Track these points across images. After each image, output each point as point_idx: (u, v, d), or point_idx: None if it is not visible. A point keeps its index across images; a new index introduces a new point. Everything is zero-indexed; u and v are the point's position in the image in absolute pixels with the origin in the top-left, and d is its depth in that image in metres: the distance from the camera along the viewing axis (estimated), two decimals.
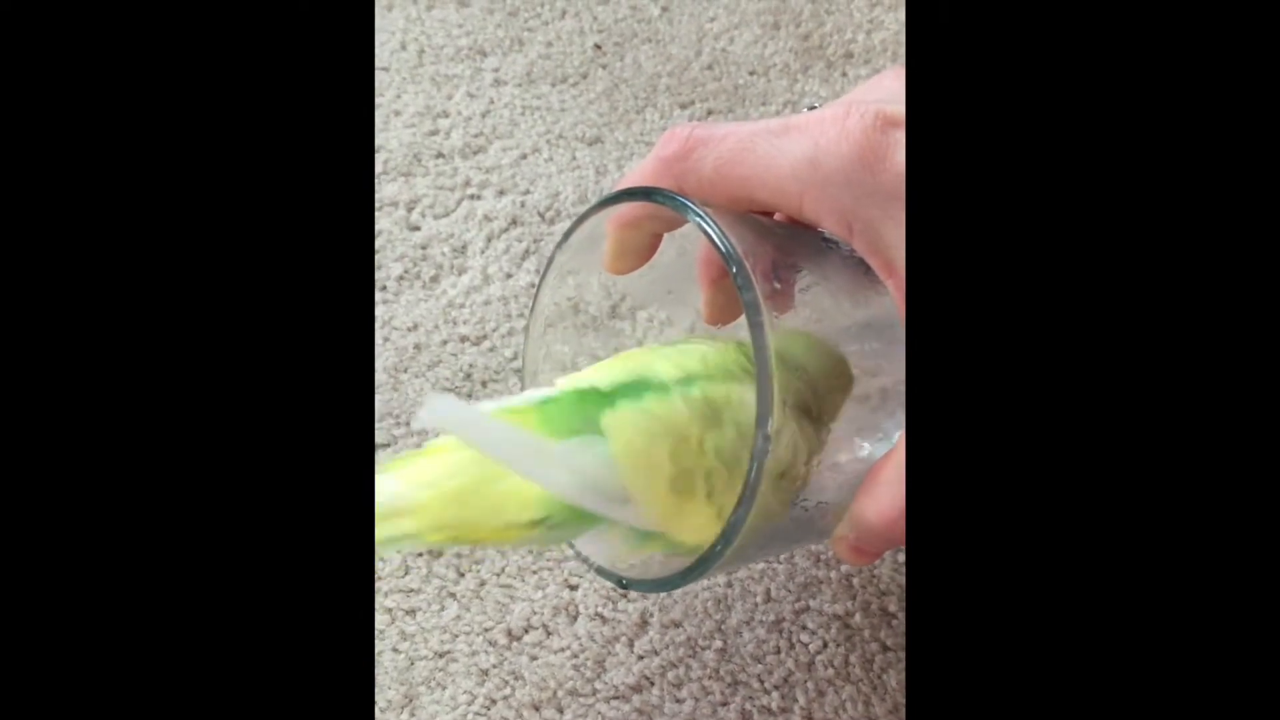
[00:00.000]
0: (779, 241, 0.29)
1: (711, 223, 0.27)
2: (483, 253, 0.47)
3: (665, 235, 0.32)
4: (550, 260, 0.32)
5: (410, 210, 0.48)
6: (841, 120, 0.27)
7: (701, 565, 0.27)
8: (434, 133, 0.52)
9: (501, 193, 0.49)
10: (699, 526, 0.28)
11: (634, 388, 0.28)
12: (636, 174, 0.29)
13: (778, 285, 0.27)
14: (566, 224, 0.48)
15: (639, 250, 0.32)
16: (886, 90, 0.29)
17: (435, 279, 0.46)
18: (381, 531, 0.26)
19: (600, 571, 0.31)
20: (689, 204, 0.27)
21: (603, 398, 0.28)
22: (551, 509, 0.28)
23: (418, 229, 0.48)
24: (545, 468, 0.27)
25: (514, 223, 0.48)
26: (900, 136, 0.26)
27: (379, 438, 0.40)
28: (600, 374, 0.29)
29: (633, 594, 0.36)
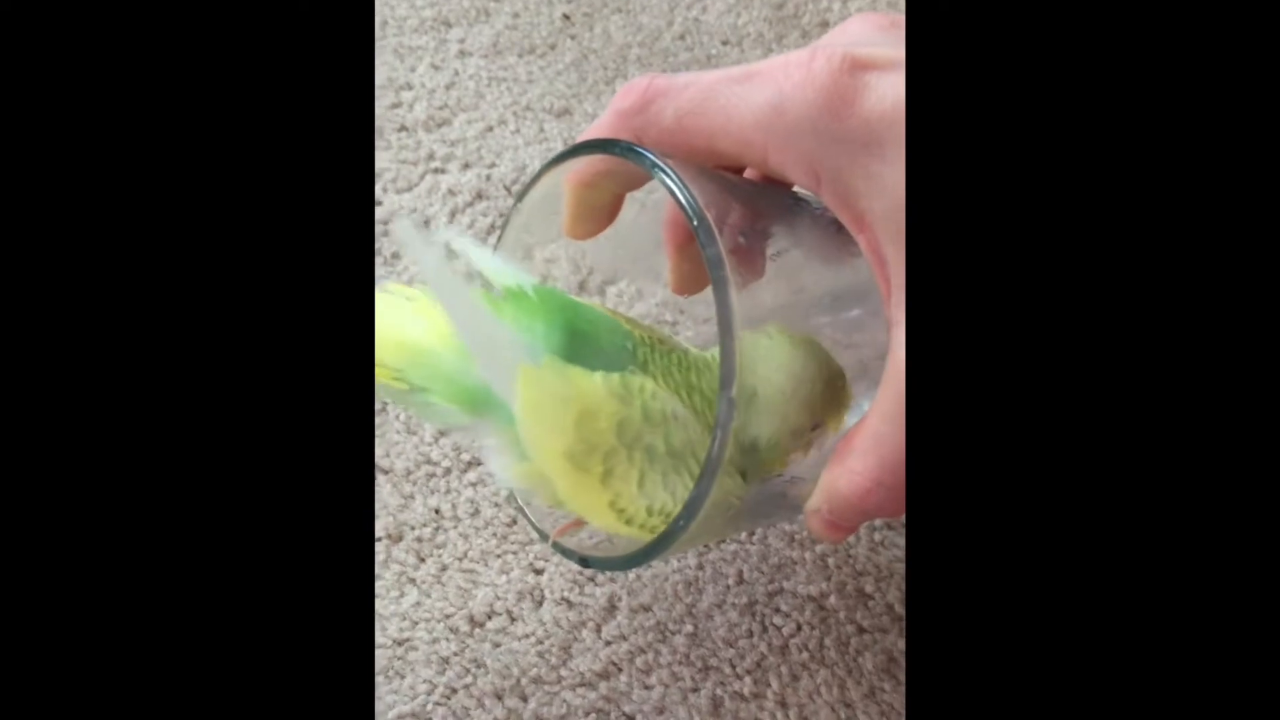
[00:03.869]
0: (746, 199, 0.27)
1: (672, 175, 0.25)
2: (447, 227, 0.45)
3: (628, 199, 0.30)
4: (506, 223, 0.31)
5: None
6: (807, 64, 0.25)
7: (664, 541, 0.26)
8: (397, 105, 0.50)
9: (466, 166, 0.48)
10: (588, 505, 0.27)
11: (582, 338, 0.28)
12: (594, 129, 0.28)
13: (743, 240, 0.26)
14: None
15: (599, 212, 0.30)
16: (854, 34, 0.27)
17: (397, 255, 0.44)
18: None
19: (561, 550, 0.30)
20: (648, 154, 0.26)
21: (550, 323, 0.28)
22: (421, 369, 0.27)
23: (379, 204, 0.46)
24: (484, 344, 0.26)
25: (479, 196, 0.47)
26: (870, 79, 0.25)
27: None
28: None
29: (600, 578, 0.35)
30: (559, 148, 0.49)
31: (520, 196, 0.30)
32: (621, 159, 0.26)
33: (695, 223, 0.25)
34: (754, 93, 0.26)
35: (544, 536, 0.30)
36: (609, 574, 0.35)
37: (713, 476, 0.24)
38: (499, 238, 0.31)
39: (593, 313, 0.29)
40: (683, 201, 0.25)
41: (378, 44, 0.53)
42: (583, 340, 0.28)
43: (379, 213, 0.46)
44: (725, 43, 0.54)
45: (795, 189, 0.28)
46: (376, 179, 0.47)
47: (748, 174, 0.29)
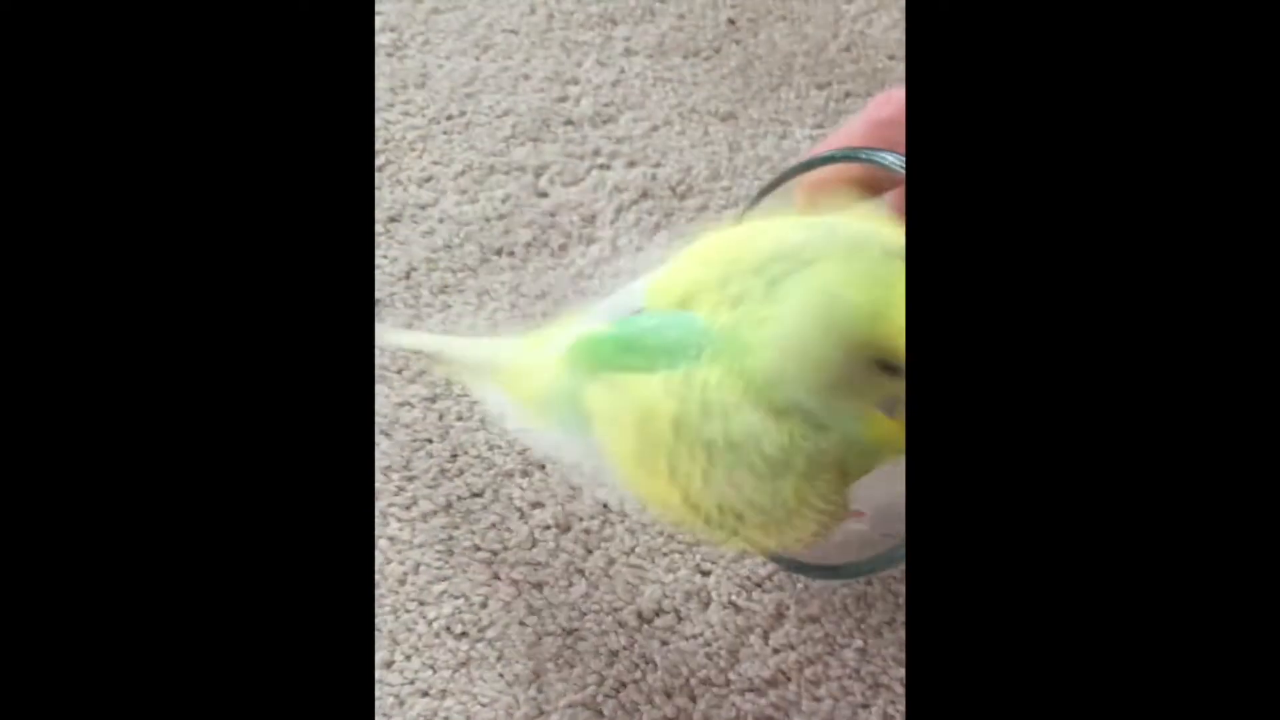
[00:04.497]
0: None
1: None
2: (612, 224, 0.46)
3: None
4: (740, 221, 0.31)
5: (539, 176, 0.47)
6: None
7: (887, 558, 0.26)
8: (563, 99, 0.51)
9: (632, 164, 0.48)
10: (664, 504, 0.28)
11: (634, 350, 0.28)
12: (842, 137, 0.28)
13: None
14: (699, 199, 0.47)
15: None
16: None
17: (564, 247, 0.45)
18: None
19: (769, 554, 0.30)
20: None
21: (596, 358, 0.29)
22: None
23: (546, 196, 0.47)
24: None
25: (644, 195, 0.47)
26: None
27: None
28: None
29: (768, 584, 0.35)
30: (724, 151, 0.49)
31: (759, 197, 0.30)
32: (882, 170, 0.26)
33: None
34: None
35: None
36: (777, 581, 0.35)
37: None
38: None
39: (657, 317, 0.28)
40: None
41: (544, 36, 0.54)
42: (637, 345, 0.28)
43: (546, 205, 0.46)
44: (891, 57, 0.54)
45: None
46: (543, 171, 0.47)
47: None
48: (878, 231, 0.24)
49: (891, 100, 0.27)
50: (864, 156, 0.27)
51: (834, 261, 0.24)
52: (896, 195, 0.29)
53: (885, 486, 0.29)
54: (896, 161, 0.26)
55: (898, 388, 0.24)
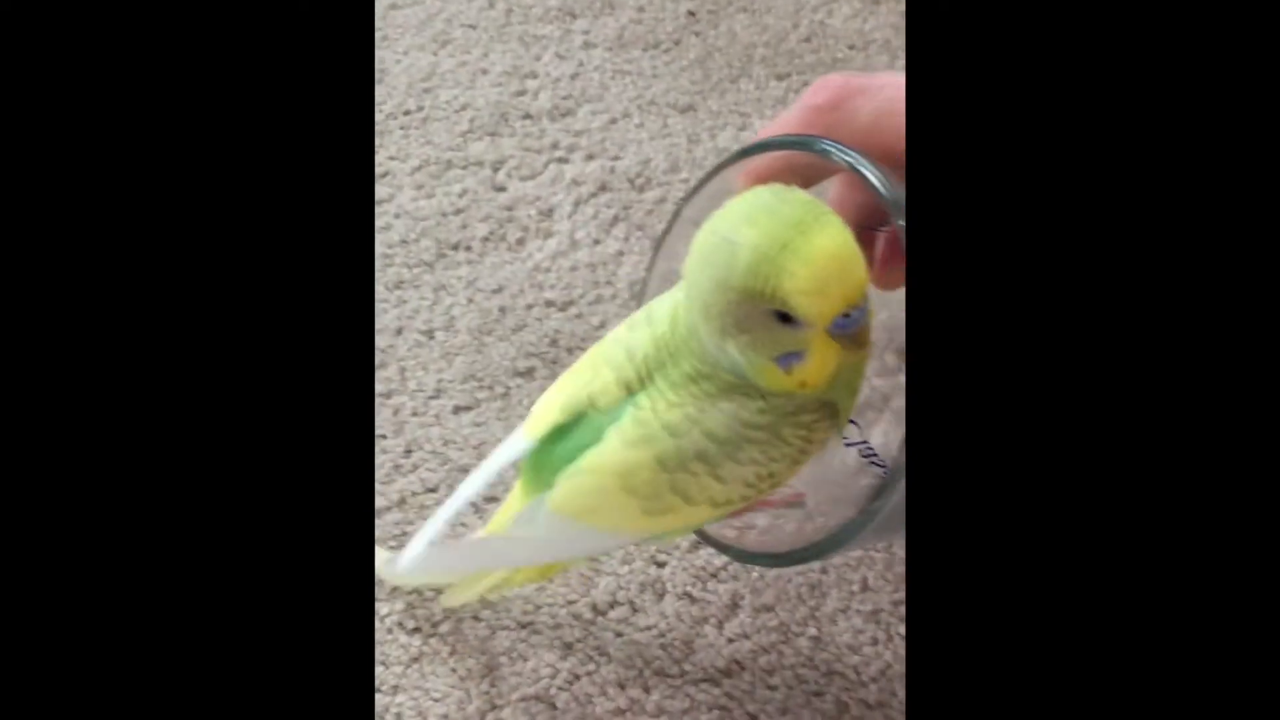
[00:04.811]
0: None
1: (877, 173, 0.25)
2: (570, 217, 0.46)
3: None
4: (676, 214, 0.30)
5: (496, 170, 0.47)
6: None
7: (837, 539, 0.25)
8: (521, 93, 0.50)
9: (590, 157, 0.48)
10: (695, 522, 0.28)
11: (572, 437, 0.28)
12: (779, 124, 0.28)
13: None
14: (657, 191, 0.47)
15: None
16: None
17: (521, 241, 0.44)
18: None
19: (720, 547, 0.30)
20: (852, 153, 0.25)
21: (545, 455, 0.28)
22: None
23: (503, 190, 0.46)
24: (507, 556, 0.30)
25: (603, 188, 0.47)
26: None
27: (462, 400, 0.39)
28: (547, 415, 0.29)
29: (723, 574, 0.35)
30: (683, 143, 0.49)
31: (696, 189, 0.30)
32: (819, 157, 0.26)
33: (901, 222, 0.24)
34: None
35: (716, 543, 0.30)
36: (732, 571, 0.35)
37: (895, 486, 0.24)
38: (666, 230, 0.31)
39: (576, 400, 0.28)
40: (889, 199, 0.25)
41: (502, 30, 0.53)
42: (574, 429, 0.28)
43: (503, 199, 0.46)
44: (851, 47, 0.54)
45: None
46: (501, 165, 0.47)
47: None
48: (778, 188, 0.24)
49: (827, 86, 0.27)
50: (803, 143, 0.26)
51: (727, 209, 0.24)
52: (836, 184, 0.29)
53: (820, 468, 0.29)
54: (834, 148, 0.26)
55: (796, 340, 0.24)
